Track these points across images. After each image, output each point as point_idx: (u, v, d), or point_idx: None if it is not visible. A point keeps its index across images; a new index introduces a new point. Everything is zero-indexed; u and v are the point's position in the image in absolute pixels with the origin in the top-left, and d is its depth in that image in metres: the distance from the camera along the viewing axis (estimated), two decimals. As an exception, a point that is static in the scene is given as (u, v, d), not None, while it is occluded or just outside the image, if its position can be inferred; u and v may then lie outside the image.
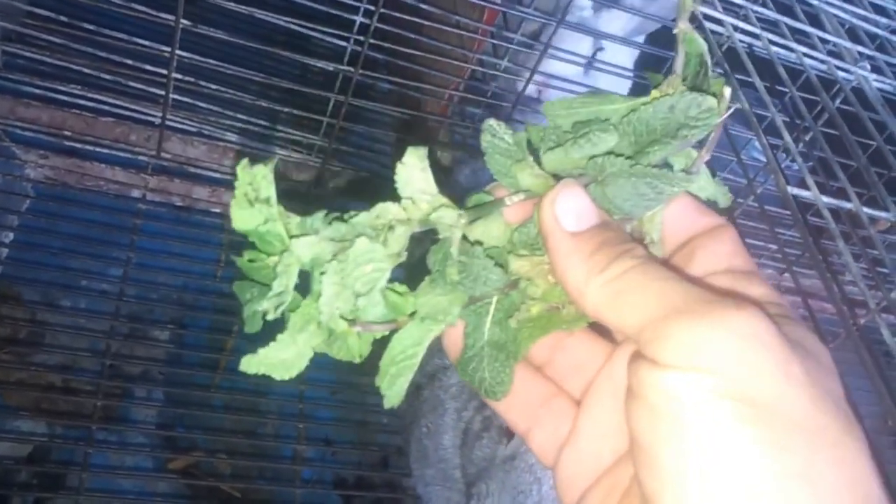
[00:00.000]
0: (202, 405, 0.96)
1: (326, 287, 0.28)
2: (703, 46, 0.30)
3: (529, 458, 0.68)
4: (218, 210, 0.98)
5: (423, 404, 0.81)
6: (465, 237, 0.30)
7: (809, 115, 0.69)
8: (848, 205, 0.56)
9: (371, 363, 0.30)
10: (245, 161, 0.28)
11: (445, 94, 1.02)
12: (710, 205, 0.31)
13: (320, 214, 0.28)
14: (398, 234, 0.29)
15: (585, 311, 0.27)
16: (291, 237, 0.28)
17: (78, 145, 0.91)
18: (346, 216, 0.29)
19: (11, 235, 0.96)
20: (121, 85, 0.91)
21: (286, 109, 0.93)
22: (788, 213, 0.56)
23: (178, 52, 0.82)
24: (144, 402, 0.99)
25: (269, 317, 0.28)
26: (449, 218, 0.29)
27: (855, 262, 0.54)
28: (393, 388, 0.30)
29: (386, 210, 0.29)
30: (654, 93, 0.29)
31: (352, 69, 0.88)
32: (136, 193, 0.95)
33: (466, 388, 0.78)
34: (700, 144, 0.30)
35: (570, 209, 0.28)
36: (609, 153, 0.29)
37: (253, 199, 0.28)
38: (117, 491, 0.93)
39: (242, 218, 0.28)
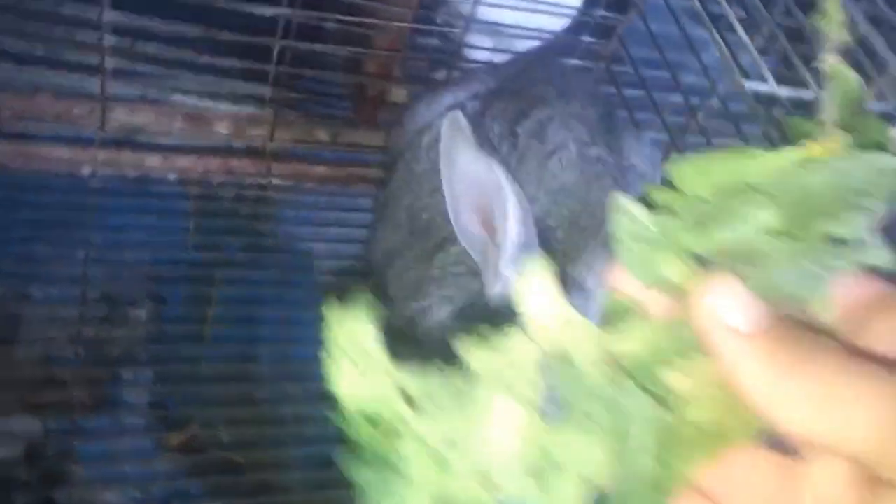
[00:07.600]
0: (191, 379, 0.93)
1: None
2: (857, 83, 0.25)
3: None
4: (174, 176, 0.94)
5: None
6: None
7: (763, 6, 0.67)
8: (809, 94, 0.55)
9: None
10: (330, 304, 0.25)
11: (394, 26, 0.98)
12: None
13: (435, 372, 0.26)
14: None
15: (778, 423, 0.23)
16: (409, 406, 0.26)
17: (19, 127, 0.87)
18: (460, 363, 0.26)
19: (-36, 231, 0.92)
20: (55, 56, 0.86)
21: (230, 62, 0.89)
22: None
23: (107, 11, 0.78)
24: (133, 384, 0.97)
25: None
26: (585, 341, 0.25)
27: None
28: None
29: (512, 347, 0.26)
30: (813, 147, 0.24)
31: (289, 10, 0.85)
32: (86, 170, 0.91)
33: None
34: None
35: (733, 306, 0.24)
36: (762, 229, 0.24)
37: (356, 358, 0.25)
38: (119, 477, 0.91)
39: (353, 395, 0.26)
